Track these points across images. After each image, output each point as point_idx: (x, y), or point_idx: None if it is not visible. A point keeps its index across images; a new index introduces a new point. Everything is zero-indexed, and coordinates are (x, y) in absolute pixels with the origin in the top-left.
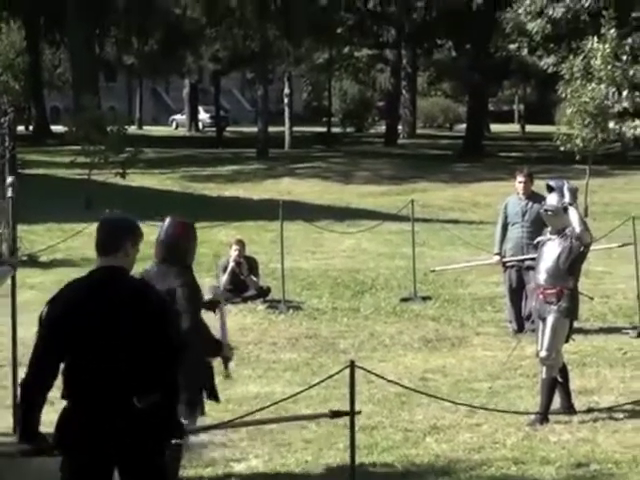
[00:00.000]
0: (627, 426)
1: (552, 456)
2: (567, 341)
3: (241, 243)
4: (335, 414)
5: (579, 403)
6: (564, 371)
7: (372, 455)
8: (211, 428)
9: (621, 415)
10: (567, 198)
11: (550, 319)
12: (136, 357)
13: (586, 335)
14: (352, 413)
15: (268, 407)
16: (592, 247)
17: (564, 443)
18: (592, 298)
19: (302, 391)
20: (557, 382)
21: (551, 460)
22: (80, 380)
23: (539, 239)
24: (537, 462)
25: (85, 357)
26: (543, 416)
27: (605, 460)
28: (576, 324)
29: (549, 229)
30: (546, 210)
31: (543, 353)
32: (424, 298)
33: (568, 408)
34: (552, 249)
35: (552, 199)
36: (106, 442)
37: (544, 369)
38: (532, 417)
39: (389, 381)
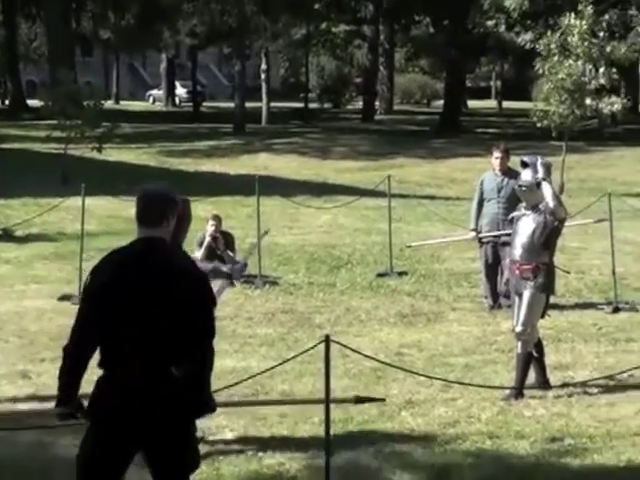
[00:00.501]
0: (601, 401)
1: (527, 430)
2: (543, 316)
3: (217, 218)
4: (359, 400)
5: (554, 378)
6: (539, 346)
7: (347, 429)
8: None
9: (595, 390)
10: (540, 173)
11: (526, 294)
12: (176, 326)
13: (561, 310)
14: (327, 386)
15: (244, 381)
16: (568, 223)
17: (539, 417)
18: (569, 272)
19: (277, 365)
20: (532, 357)
21: (526, 434)
22: (120, 349)
23: (513, 214)
24: (512, 436)
25: (127, 325)
26: (518, 391)
27: (579, 434)
28: (552, 299)
29: (523, 205)
30: (520, 186)
31: (519, 328)
32: (400, 273)
33: (543, 383)
34: (527, 224)
35: (526, 175)
36: (142, 411)
37: (519, 344)
38: (507, 392)
39: (365, 356)
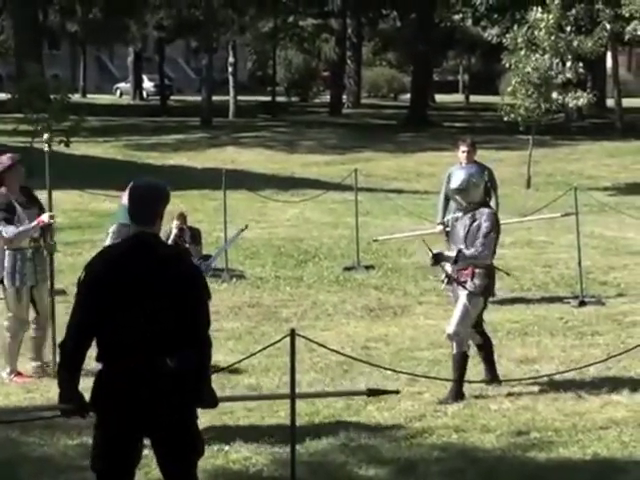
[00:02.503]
0: (567, 394)
1: (492, 424)
2: (480, 318)
3: (182, 217)
4: (372, 392)
5: (520, 372)
6: (488, 343)
7: (313, 423)
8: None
9: (561, 384)
10: (475, 177)
11: (462, 296)
12: (174, 318)
13: (528, 304)
14: (292, 380)
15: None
16: (535, 217)
17: (505, 411)
18: (509, 274)
19: (243, 359)
20: (467, 356)
21: (492, 428)
22: (118, 342)
23: (449, 218)
24: (478, 430)
25: (125, 318)
26: (457, 391)
27: (545, 428)
28: (518, 294)
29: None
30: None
31: (451, 329)
32: (367, 267)
33: (493, 379)
34: (460, 229)
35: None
36: (140, 404)
37: (454, 344)
38: (446, 394)
39: (330, 350)
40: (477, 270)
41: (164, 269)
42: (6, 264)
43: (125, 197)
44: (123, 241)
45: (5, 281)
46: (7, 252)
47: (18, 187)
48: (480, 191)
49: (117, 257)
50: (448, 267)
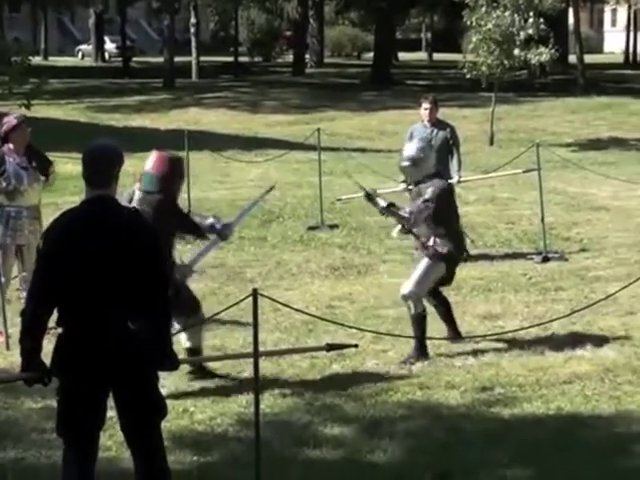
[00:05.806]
0: (531, 350)
1: (457, 380)
2: (449, 283)
3: None
4: (331, 347)
5: (484, 328)
6: (445, 302)
7: (278, 382)
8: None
9: (525, 339)
10: (422, 153)
11: (423, 262)
12: (133, 282)
13: (491, 261)
14: (255, 339)
15: (174, 335)
16: (498, 173)
17: (469, 367)
18: (472, 240)
19: (207, 319)
20: (425, 316)
21: (456, 384)
22: (77, 306)
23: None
24: (442, 387)
25: (84, 284)
26: (420, 351)
27: (509, 383)
28: (482, 250)
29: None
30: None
31: (406, 290)
32: (331, 226)
33: (455, 336)
34: (413, 201)
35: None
36: (101, 366)
37: (411, 305)
38: (410, 353)
39: (294, 309)
40: (435, 238)
41: (122, 231)
42: None
43: (148, 164)
44: (79, 206)
45: None
46: None
47: (23, 146)
48: (431, 162)
49: (74, 222)
50: (403, 212)
